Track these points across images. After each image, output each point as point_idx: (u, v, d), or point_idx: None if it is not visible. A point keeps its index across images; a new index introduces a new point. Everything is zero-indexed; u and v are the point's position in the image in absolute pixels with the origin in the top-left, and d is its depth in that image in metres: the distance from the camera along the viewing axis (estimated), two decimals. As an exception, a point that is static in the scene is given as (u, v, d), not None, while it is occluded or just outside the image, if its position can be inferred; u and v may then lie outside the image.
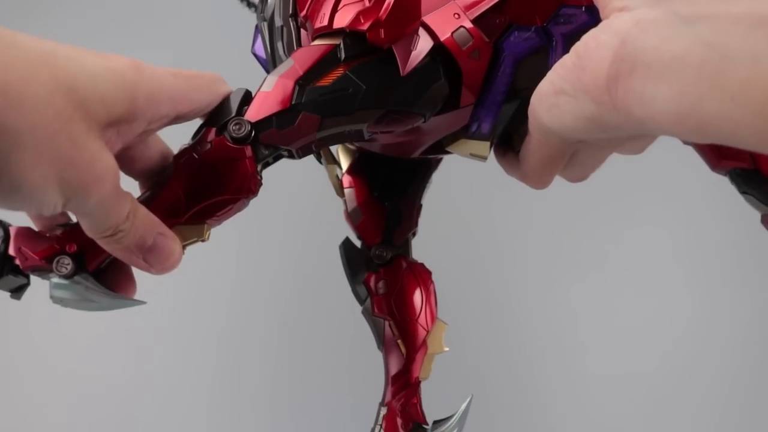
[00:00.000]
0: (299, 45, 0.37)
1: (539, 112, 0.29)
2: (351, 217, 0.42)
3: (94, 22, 0.89)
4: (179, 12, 0.78)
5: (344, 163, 0.43)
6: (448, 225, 0.74)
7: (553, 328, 0.78)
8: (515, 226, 0.79)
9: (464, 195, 0.72)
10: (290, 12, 0.38)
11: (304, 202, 0.61)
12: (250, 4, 0.46)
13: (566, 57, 0.27)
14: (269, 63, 0.40)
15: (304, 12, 0.36)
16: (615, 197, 0.81)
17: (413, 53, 0.33)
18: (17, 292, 0.32)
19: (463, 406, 0.40)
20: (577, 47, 0.26)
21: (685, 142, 0.39)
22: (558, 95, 0.27)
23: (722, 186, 0.39)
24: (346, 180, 0.43)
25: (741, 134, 0.21)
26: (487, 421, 0.69)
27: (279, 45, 0.38)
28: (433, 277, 0.42)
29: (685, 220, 0.80)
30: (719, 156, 0.38)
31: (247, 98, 0.33)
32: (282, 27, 0.38)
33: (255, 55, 0.41)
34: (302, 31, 0.37)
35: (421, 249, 0.44)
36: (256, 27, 0.41)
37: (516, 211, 0.77)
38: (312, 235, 0.70)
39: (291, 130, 0.32)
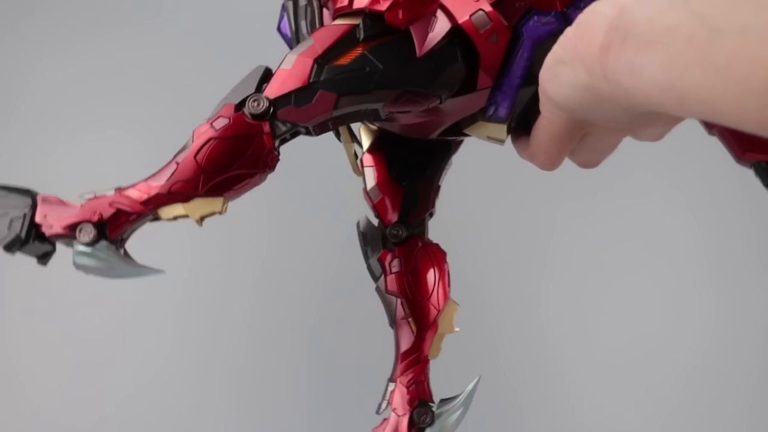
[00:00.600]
0: (321, 24, 0.38)
1: (543, 83, 0.29)
2: (370, 195, 0.43)
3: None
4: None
5: (365, 141, 0.44)
6: (466, 207, 0.74)
7: (565, 316, 0.78)
8: (532, 214, 0.79)
9: (484, 179, 0.72)
10: None
11: (323, 179, 0.62)
12: None
13: (569, 28, 0.28)
14: (293, 41, 0.41)
15: None
16: (637, 191, 0.80)
17: (431, 35, 0.34)
18: (43, 258, 0.33)
19: (470, 386, 0.41)
20: (579, 17, 0.27)
21: (710, 133, 0.38)
22: (558, 65, 0.28)
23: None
24: (367, 158, 0.43)
25: (722, 108, 0.21)
26: (495, 403, 0.70)
27: (303, 24, 0.39)
28: (448, 259, 0.43)
29: (690, 219, 0.79)
30: (744, 148, 0.37)
31: (267, 75, 0.34)
32: (306, 6, 0.39)
33: (281, 32, 0.42)
34: (325, 10, 0.37)
35: (438, 230, 0.44)
36: (283, 5, 0.41)
37: (534, 198, 0.77)
38: (330, 213, 0.70)
39: (308, 108, 0.33)
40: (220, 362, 0.81)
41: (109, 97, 0.87)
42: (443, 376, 0.43)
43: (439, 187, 0.44)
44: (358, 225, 0.44)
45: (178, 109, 0.68)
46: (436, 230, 0.44)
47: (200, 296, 0.77)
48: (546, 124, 0.33)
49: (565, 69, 0.27)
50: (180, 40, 0.53)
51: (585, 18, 0.26)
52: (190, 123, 0.34)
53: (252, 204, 0.39)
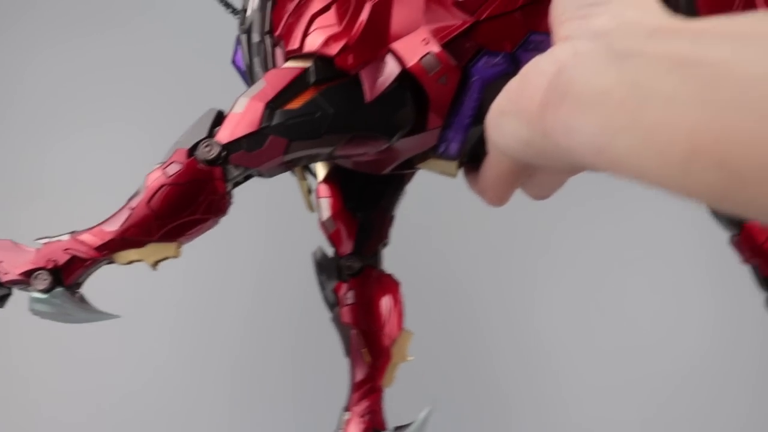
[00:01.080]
0: (273, 63, 0.38)
1: (489, 130, 0.30)
2: (325, 226, 0.43)
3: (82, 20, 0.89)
4: (166, 17, 0.77)
5: (321, 172, 0.44)
6: (465, 209, 0.74)
7: (562, 318, 0.79)
8: (531, 217, 0.79)
9: (436, 206, 0.72)
10: (266, 29, 0.38)
11: (282, 208, 0.62)
12: (227, 5, 0.46)
13: (514, 79, 0.28)
14: (247, 75, 0.41)
15: (278, 31, 0.37)
16: (635, 192, 0.81)
17: (380, 79, 0.34)
18: (1, 301, 0.33)
19: (422, 414, 0.42)
20: (523, 71, 0.27)
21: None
22: (501, 116, 0.28)
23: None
24: (323, 189, 0.44)
25: (648, 174, 0.21)
26: (493, 404, 0.71)
27: (256, 60, 0.39)
28: (403, 287, 0.44)
29: (688, 219, 0.79)
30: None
31: (219, 119, 0.34)
32: (259, 43, 0.39)
33: (235, 65, 0.42)
34: (277, 49, 0.38)
35: (392, 258, 0.45)
36: (237, 38, 0.41)
37: (488, 222, 0.78)
38: (287, 241, 0.71)
39: (260, 153, 0.33)
40: (218, 361, 0.81)
41: (106, 91, 0.87)
42: (401, 403, 0.44)
43: (393, 217, 0.44)
44: (313, 255, 0.44)
45: (177, 102, 0.68)
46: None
47: (199, 296, 0.77)
48: (494, 164, 0.33)
49: (508, 121, 0.28)
50: (178, 33, 0.52)
51: (527, 72, 0.27)
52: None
53: (251, 204, 0.39)
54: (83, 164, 0.86)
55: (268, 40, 0.38)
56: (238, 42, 0.41)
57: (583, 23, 0.25)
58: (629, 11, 0.24)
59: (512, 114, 0.27)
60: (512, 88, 0.28)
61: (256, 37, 0.39)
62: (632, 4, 0.25)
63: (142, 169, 0.36)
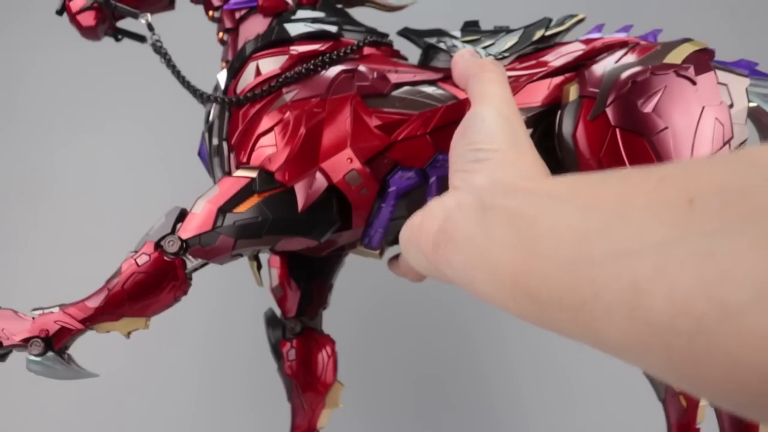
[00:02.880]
0: (229, 165, 0.45)
1: (401, 248, 0.35)
2: (274, 292, 0.51)
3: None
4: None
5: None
6: (356, 298, 0.79)
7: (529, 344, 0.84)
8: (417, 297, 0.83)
9: (370, 274, 0.74)
10: (224, 135, 0.46)
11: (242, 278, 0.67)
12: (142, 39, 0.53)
13: (416, 216, 0.33)
14: (208, 166, 0.48)
15: (232, 141, 0.44)
16: None
17: (310, 192, 0.41)
18: (1, 357, 0.41)
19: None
20: (423, 211, 0.33)
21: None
22: (408, 243, 0.34)
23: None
24: (273, 260, 0.51)
25: (498, 303, 0.26)
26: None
27: (216, 160, 0.46)
28: (337, 345, 0.51)
29: None
30: None
31: (182, 215, 0.41)
32: (218, 146, 0.46)
33: (200, 156, 0.49)
34: (232, 155, 0.45)
35: (330, 318, 0.53)
36: (203, 134, 0.48)
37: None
38: (246, 304, 0.74)
39: (212, 248, 0.40)
40: (217, 360, 0.85)
41: (107, 94, 0.91)
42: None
43: (332, 285, 0.52)
44: (265, 315, 0.52)
45: (175, 106, 0.72)
46: (329, 318, 0.52)
47: (199, 296, 0.82)
48: (408, 264, 0.40)
49: (413, 249, 0.33)
50: (180, 36, 0.56)
51: (424, 214, 0.32)
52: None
53: (219, 274, 0.44)
54: (86, 163, 0.90)
55: (225, 146, 0.46)
56: (203, 138, 0.48)
57: (468, 177, 0.30)
58: (499, 171, 0.30)
59: (414, 246, 0.32)
60: (415, 224, 0.33)
61: (215, 140, 0.46)
62: (503, 165, 0.30)
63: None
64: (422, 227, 0.31)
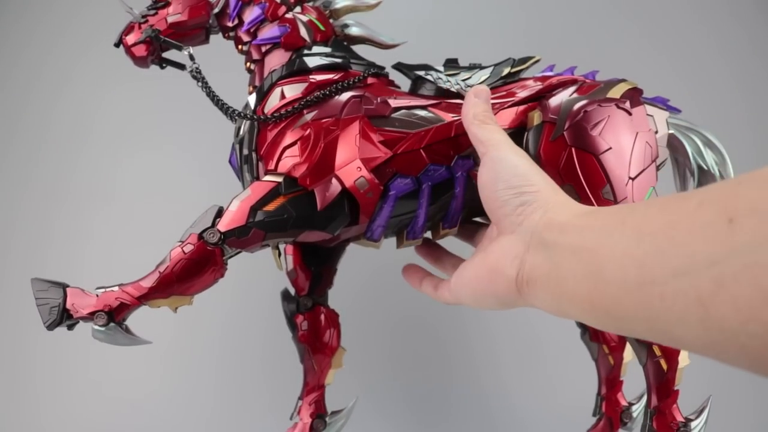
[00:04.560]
0: (258, 172, 0.53)
1: (471, 302, 0.39)
2: (289, 274, 0.60)
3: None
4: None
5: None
6: (355, 280, 0.85)
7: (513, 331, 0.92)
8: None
9: (367, 261, 0.82)
10: (253, 147, 0.54)
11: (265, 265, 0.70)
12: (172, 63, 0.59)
13: (479, 269, 0.36)
14: (238, 173, 0.57)
15: (261, 152, 0.52)
16: None
17: (327, 194, 0.49)
18: (71, 327, 0.49)
19: (350, 404, 0.60)
20: (490, 265, 0.35)
21: None
22: (484, 296, 0.37)
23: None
24: (288, 249, 0.61)
25: (585, 320, 0.28)
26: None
27: (246, 167, 0.55)
28: (341, 318, 0.62)
29: None
30: None
31: (219, 212, 0.49)
32: (248, 155, 0.54)
33: (231, 164, 0.58)
34: (260, 163, 0.53)
35: (335, 295, 0.63)
36: (233, 145, 0.56)
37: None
38: (267, 283, 0.80)
39: (246, 240, 0.48)
40: (240, 332, 0.94)
41: (164, 122, 1.07)
42: (335, 394, 0.62)
43: (336, 269, 0.62)
44: (281, 293, 0.62)
45: (209, 126, 0.82)
46: (334, 296, 0.62)
47: (229, 278, 0.83)
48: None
49: (490, 299, 0.36)
50: (212, 65, 0.62)
51: (495, 269, 0.34)
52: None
53: (247, 264, 0.51)
54: (147, 176, 1.05)
55: (254, 155, 0.54)
56: (233, 149, 0.57)
57: (522, 220, 0.33)
58: (549, 212, 0.32)
59: (492, 296, 0.36)
60: (483, 277, 0.36)
61: (246, 150, 0.54)
62: (549, 204, 0.33)
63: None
64: (495, 277, 0.34)
